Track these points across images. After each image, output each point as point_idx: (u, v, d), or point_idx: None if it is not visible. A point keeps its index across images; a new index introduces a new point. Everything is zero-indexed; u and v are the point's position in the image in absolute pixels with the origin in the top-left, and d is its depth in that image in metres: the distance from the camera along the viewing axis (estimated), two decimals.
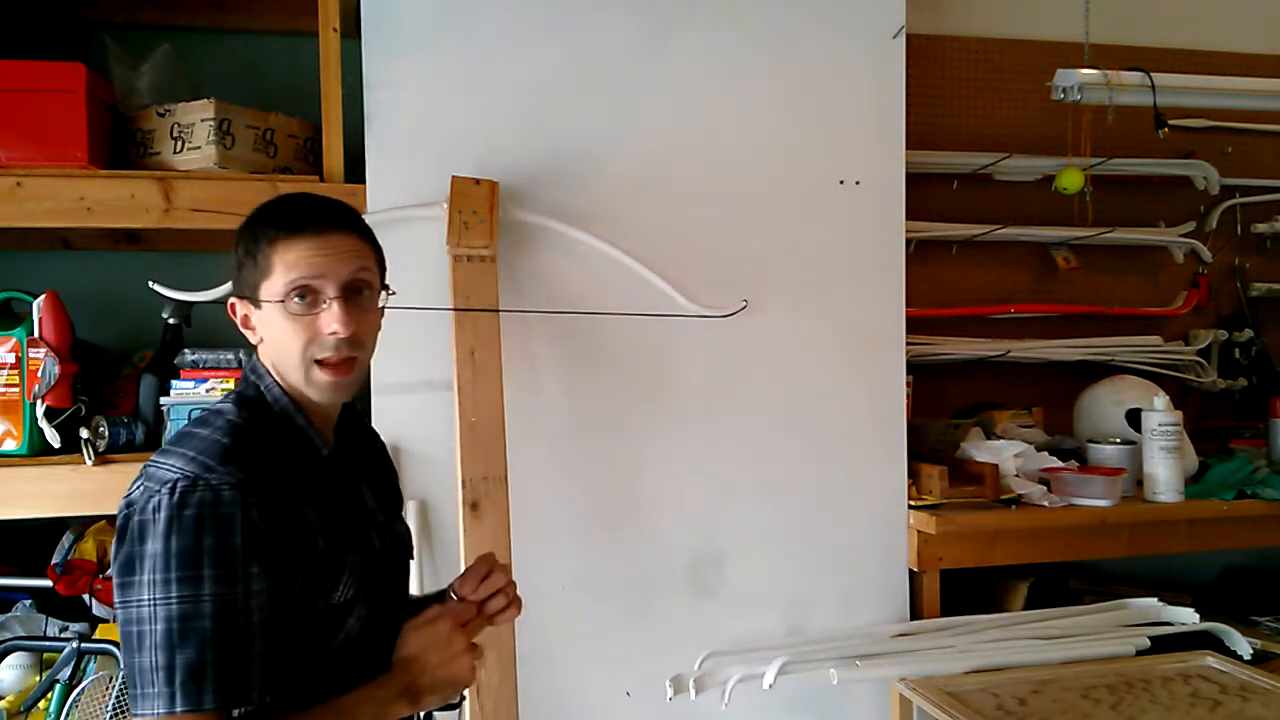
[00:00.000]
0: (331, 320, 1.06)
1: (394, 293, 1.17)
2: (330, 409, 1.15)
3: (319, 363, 1.08)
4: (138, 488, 1.00)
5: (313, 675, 1.05)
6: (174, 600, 0.94)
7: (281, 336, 1.07)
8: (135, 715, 0.95)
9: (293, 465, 1.07)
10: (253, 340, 1.13)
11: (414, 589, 1.77)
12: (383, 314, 1.16)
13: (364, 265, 1.10)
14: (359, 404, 1.79)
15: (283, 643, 1.00)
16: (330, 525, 1.07)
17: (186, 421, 1.65)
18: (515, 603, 1.21)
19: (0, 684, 1.81)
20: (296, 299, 1.06)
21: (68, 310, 1.74)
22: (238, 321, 1.13)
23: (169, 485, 0.97)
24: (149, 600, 0.95)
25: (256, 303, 1.09)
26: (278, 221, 1.09)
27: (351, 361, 1.10)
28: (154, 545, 0.95)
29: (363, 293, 1.11)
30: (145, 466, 1.02)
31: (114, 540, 1.00)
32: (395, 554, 1.22)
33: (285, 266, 1.06)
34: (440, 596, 1.23)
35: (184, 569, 0.95)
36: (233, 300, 1.13)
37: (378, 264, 1.15)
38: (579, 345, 1.88)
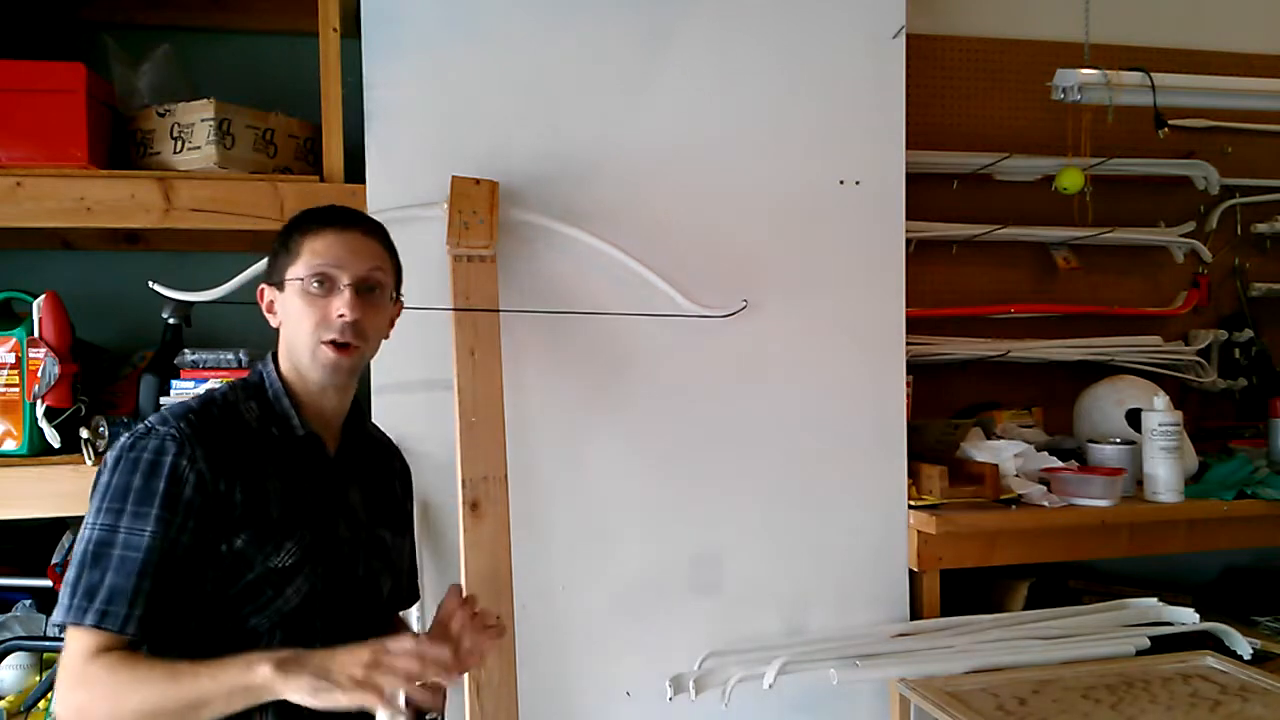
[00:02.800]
0: (341, 304, 1.19)
1: (402, 303, 1.32)
2: (328, 402, 1.26)
3: (325, 342, 1.19)
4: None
5: (240, 635, 1.13)
6: (97, 526, 1.08)
7: (297, 315, 1.20)
8: None
9: (265, 438, 1.20)
10: (274, 324, 1.25)
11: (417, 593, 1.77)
12: (392, 324, 1.31)
13: (379, 266, 1.24)
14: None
15: (195, 588, 1.10)
16: (291, 499, 1.18)
17: None
18: (491, 631, 1.24)
19: (0, 684, 1.81)
20: (315, 283, 1.19)
21: (68, 310, 1.74)
22: (264, 307, 1.26)
23: (133, 431, 1.13)
24: (87, 523, 1.09)
25: (281, 285, 1.22)
26: (314, 217, 1.24)
27: (353, 349, 1.21)
28: (104, 477, 1.11)
29: (374, 290, 1.23)
30: None
31: None
32: (368, 554, 1.28)
33: (311, 253, 1.20)
34: None
35: (112, 501, 1.08)
36: (263, 286, 1.27)
37: (394, 272, 1.29)
38: (579, 345, 1.88)
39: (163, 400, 1.75)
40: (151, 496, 1.08)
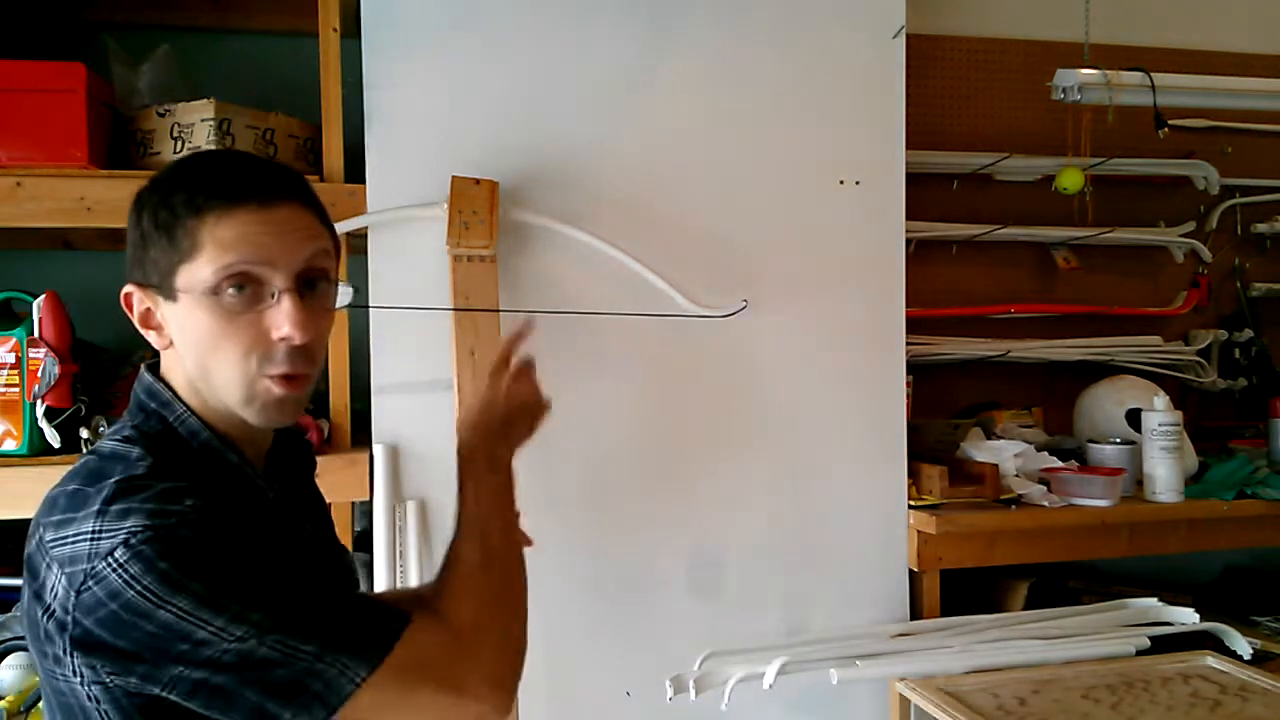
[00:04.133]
0: (283, 320, 0.82)
1: (356, 289, 1.01)
2: (263, 435, 0.92)
3: (268, 376, 0.84)
4: (56, 582, 0.75)
5: None
6: (231, 628, 0.73)
7: (209, 340, 0.82)
8: None
9: (233, 521, 0.80)
10: (157, 344, 0.87)
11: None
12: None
13: (322, 248, 0.87)
14: (358, 404, 1.81)
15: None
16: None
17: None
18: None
19: (0, 684, 1.81)
20: (233, 290, 0.81)
21: (68, 310, 1.74)
22: (134, 318, 0.87)
23: (117, 552, 0.73)
24: (201, 658, 0.73)
25: (169, 293, 0.83)
26: (207, 186, 0.82)
27: (305, 377, 0.87)
28: (168, 612, 0.73)
29: (318, 285, 0.87)
30: (45, 551, 0.77)
31: (65, 655, 0.76)
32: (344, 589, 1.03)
33: (219, 247, 0.80)
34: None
35: (215, 593, 0.73)
36: (129, 289, 0.86)
37: (335, 249, 0.91)
38: (579, 345, 1.88)
39: None
40: (240, 567, 0.76)
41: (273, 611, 0.75)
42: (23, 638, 1.82)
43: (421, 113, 1.83)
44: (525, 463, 1.82)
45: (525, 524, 1.13)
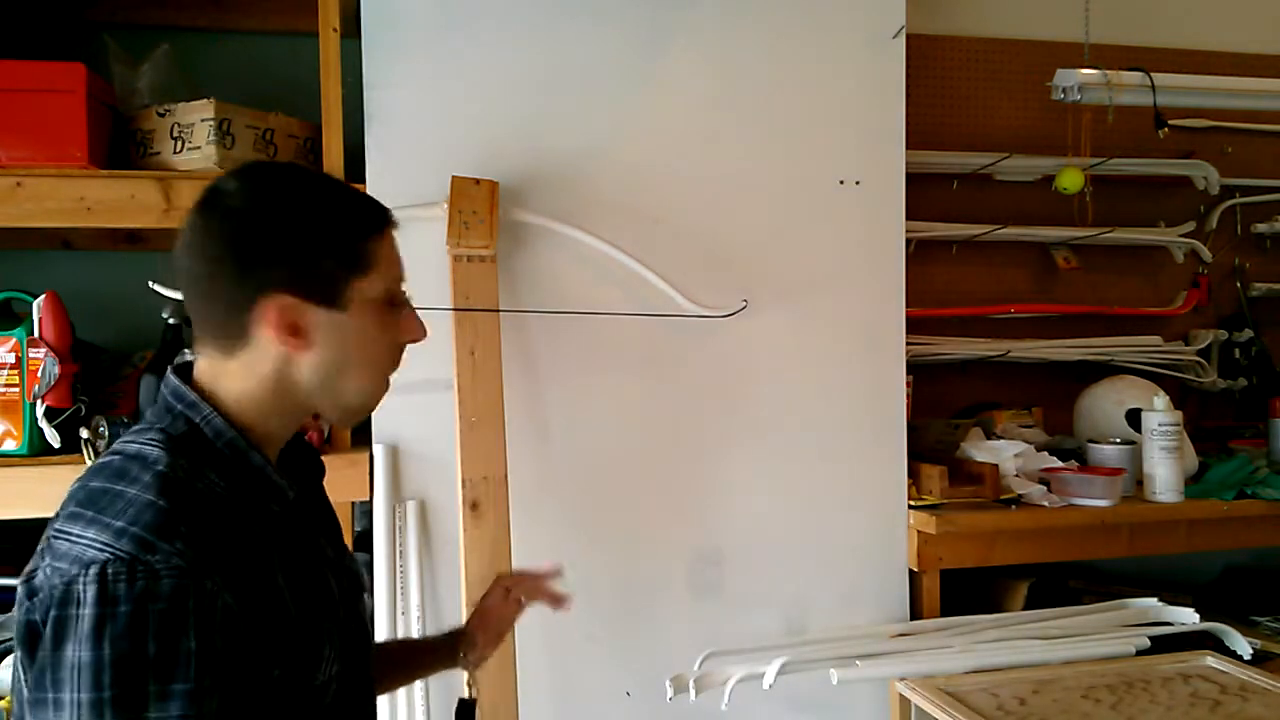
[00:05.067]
0: (415, 325, 0.97)
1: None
2: (284, 436, 0.96)
3: (387, 377, 0.97)
4: (44, 569, 0.77)
5: None
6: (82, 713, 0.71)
7: (366, 345, 0.92)
8: None
9: (253, 519, 0.85)
10: (290, 347, 0.88)
11: (413, 591, 1.77)
12: None
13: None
14: None
15: None
16: (300, 590, 0.87)
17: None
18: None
19: (0, 684, 1.81)
20: (394, 302, 0.94)
21: (68, 310, 1.74)
22: (278, 327, 0.87)
23: (93, 569, 0.74)
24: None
25: (335, 303, 0.89)
26: (369, 212, 0.94)
27: None
28: (77, 652, 0.72)
29: None
30: (49, 538, 0.79)
31: (15, 639, 0.77)
32: (353, 598, 1.04)
33: (386, 264, 0.92)
34: (448, 640, 1.26)
35: (120, 686, 0.72)
36: (282, 301, 0.87)
37: None
38: (579, 345, 1.88)
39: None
40: (182, 663, 0.74)
41: None
42: None
43: (421, 113, 1.83)
44: (526, 463, 1.83)
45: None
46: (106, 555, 0.74)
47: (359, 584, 1.09)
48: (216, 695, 0.76)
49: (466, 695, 1.27)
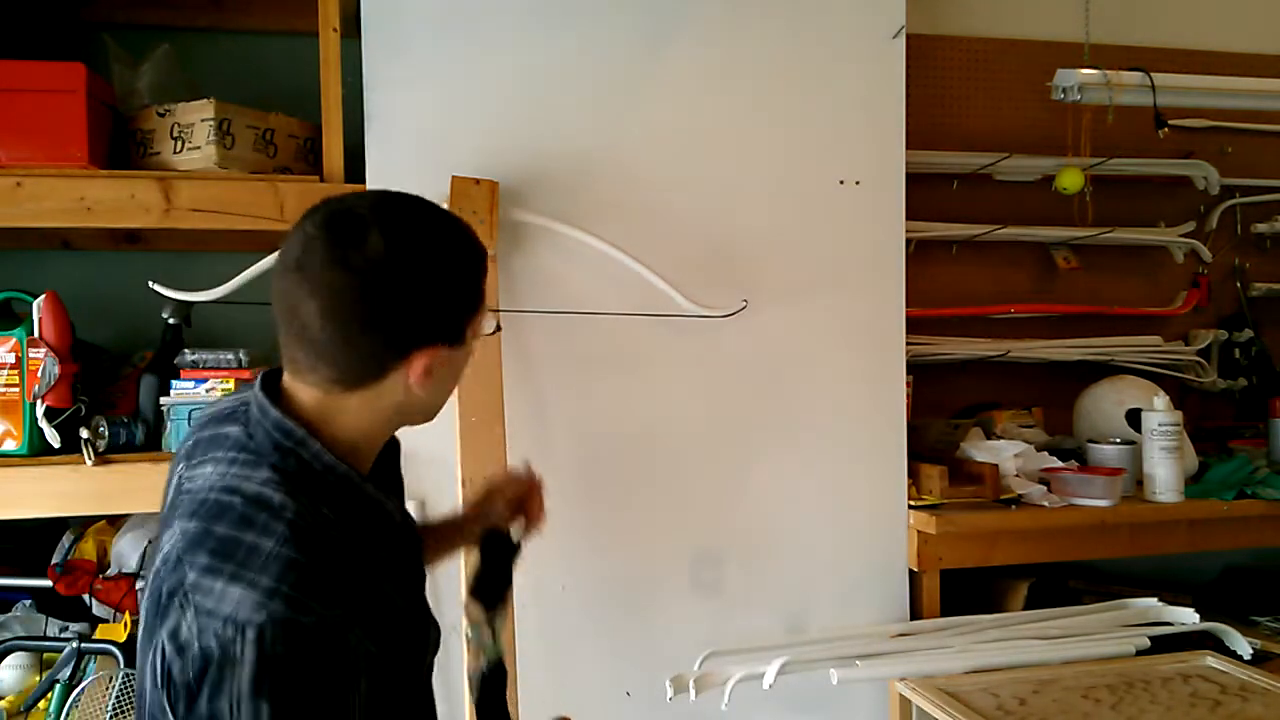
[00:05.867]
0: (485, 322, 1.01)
1: None
2: (379, 449, 1.00)
3: None
4: (189, 624, 0.79)
5: None
6: None
7: (456, 375, 0.98)
8: None
9: (365, 547, 0.90)
10: (416, 392, 0.92)
11: None
12: None
13: None
14: None
15: None
16: (401, 585, 0.96)
17: (185, 421, 1.56)
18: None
19: (0, 684, 1.81)
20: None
21: (68, 310, 1.74)
22: (417, 376, 0.91)
23: (249, 630, 0.77)
24: None
25: (458, 340, 0.94)
26: (482, 255, 0.97)
27: None
28: (237, 706, 0.76)
29: None
30: (189, 595, 0.80)
31: (156, 684, 0.80)
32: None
33: (486, 297, 0.97)
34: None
35: None
36: (430, 354, 0.91)
37: None
38: (579, 345, 1.88)
39: (162, 400, 1.74)
40: (334, 716, 0.80)
41: None
42: (23, 638, 1.82)
43: (421, 113, 1.83)
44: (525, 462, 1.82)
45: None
46: (261, 619, 0.77)
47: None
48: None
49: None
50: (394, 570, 0.94)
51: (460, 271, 0.93)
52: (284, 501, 0.84)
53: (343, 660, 0.81)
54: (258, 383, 0.93)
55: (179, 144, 1.75)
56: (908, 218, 2.04)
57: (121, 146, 1.80)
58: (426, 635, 0.99)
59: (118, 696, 1.68)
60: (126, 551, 1.83)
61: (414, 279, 0.88)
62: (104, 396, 1.84)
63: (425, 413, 0.98)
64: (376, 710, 0.86)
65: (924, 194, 2.27)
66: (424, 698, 1.00)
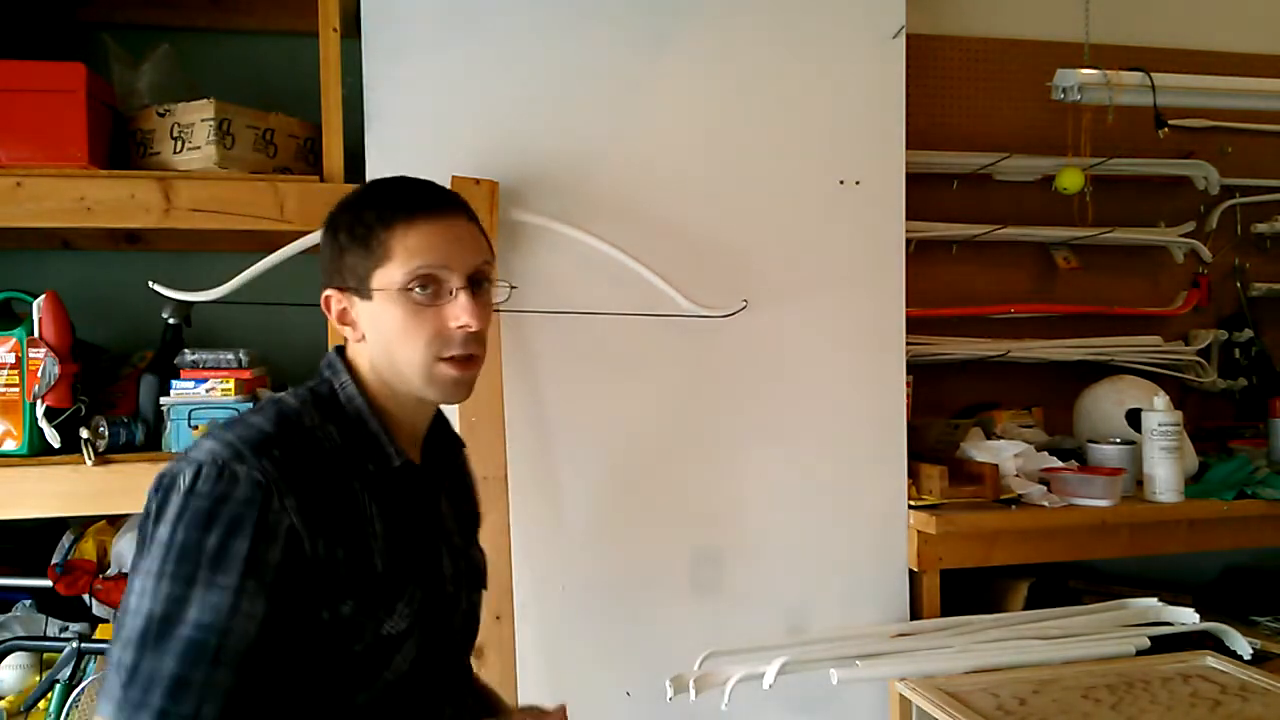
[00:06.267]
0: (460, 312, 0.99)
1: (515, 287, 1.19)
2: (420, 418, 1.08)
3: (444, 359, 1.00)
4: (171, 465, 0.92)
5: (338, 715, 0.95)
6: (157, 596, 0.84)
7: (399, 330, 0.99)
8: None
9: (356, 473, 0.97)
10: (350, 337, 1.04)
11: None
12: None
13: (486, 257, 1.05)
14: None
15: (285, 674, 0.89)
16: (395, 547, 0.97)
17: (185, 421, 1.62)
18: None
19: (0, 684, 1.81)
20: (419, 289, 0.98)
21: (68, 310, 1.74)
22: (333, 317, 1.04)
23: (194, 467, 0.88)
24: (138, 589, 0.86)
25: (365, 293, 1.00)
26: (395, 203, 1.00)
27: (476, 360, 1.03)
28: (161, 530, 0.87)
29: (483, 285, 1.04)
30: (185, 451, 0.94)
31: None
32: (467, 583, 1.12)
33: (407, 252, 0.98)
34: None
35: (179, 564, 0.85)
36: (330, 293, 1.03)
37: (493, 256, 1.08)
38: (578, 345, 1.88)
39: (162, 400, 1.75)
40: (231, 560, 0.85)
41: (164, 609, 0.84)
42: (23, 638, 1.82)
43: (421, 113, 1.83)
44: (526, 463, 1.83)
45: None
46: (205, 458, 0.89)
47: (477, 575, 1.16)
48: (261, 600, 0.86)
49: None
50: (392, 510, 0.99)
51: (349, 217, 1.02)
52: (296, 402, 0.99)
53: (262, 516, 0.87)
54: None
55: (179, 144, 1.75)
56: (908, 218, 2.04)
57: (121, 146, 1.80)
58: (405, 580, 0.98)
59: None
60: (126, 551, 1.83)
61: (327, 227, 1.04)
62: (104, 396, 1.84)
63: (396, 376, 1.02)
64: (291, 604, 0.89)
65: (924, 194, 2.27)
66: (374, 659, 0.96)
